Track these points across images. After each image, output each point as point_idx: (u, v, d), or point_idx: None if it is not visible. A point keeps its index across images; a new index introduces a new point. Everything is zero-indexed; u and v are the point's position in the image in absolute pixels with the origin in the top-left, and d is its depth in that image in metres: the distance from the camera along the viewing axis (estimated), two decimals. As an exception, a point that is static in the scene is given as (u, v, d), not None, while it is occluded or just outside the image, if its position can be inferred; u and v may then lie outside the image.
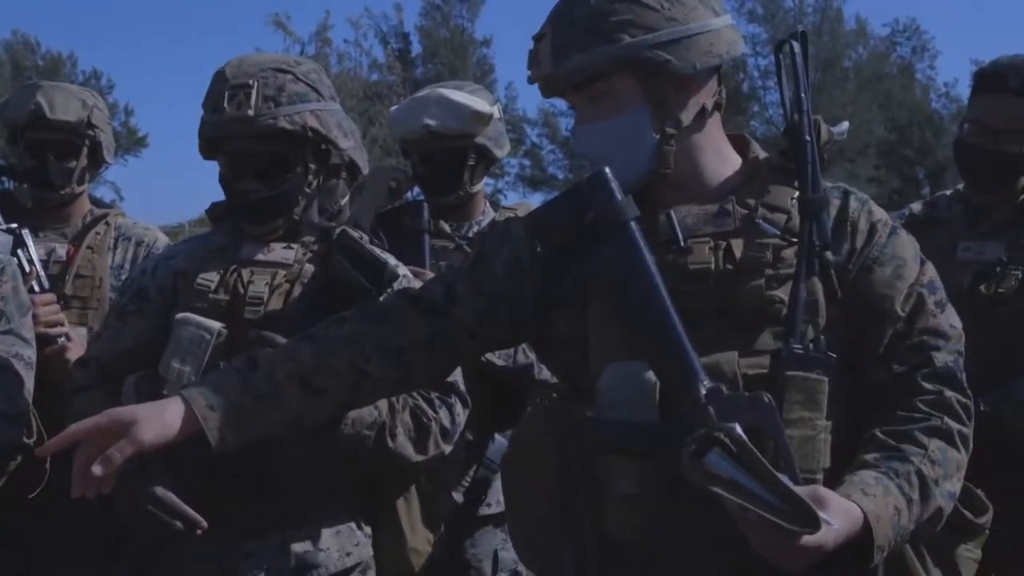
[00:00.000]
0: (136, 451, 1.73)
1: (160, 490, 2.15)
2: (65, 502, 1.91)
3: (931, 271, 1.85)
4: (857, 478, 1.68)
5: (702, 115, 1.83)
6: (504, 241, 1.89)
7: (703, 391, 1.63)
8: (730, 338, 1.74)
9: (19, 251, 2.91)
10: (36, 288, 2.93)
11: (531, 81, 1.88)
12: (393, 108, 3.49)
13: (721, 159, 1.87)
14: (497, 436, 3.11)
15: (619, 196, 1.71)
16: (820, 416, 1.69)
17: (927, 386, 1.77)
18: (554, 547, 1.81)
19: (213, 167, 2.41)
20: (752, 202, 1.81)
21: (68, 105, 3.15)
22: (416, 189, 3.45)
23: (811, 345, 1.70)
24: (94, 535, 2.69)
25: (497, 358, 2.96)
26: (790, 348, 1.69)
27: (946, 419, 1.75)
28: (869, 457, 1.72)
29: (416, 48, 33.10)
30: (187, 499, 2.16)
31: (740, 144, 1.92)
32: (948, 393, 1.76)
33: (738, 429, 1.57)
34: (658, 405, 1.69)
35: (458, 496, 3.06)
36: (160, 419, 1.76)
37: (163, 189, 56.19)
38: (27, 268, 2.91)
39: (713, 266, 1.76)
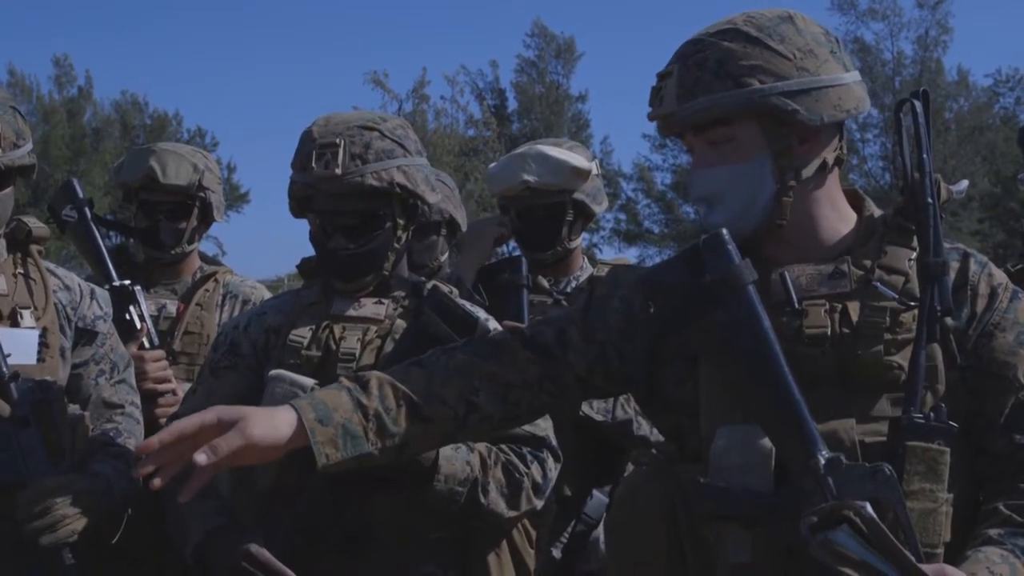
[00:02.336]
0: (244, 446, 1.68)
1: (254, 547, 2.16)
2: (150, 552, 1.93)
3: None
4: (982, 555, 1.64)
5: (823, 169, 1.80)
6: (614, 289, 1.86)
7: (822, 461, 1.59)
8: (846, 404, 1.70)
9: (131, 307, 3.01)
10: (146, 344, 3.02)
11: (651, 118, 1.84)
12: (492, 164, 3.52)
13: (838, 216, 1.83)
14: (595, 492, 3.11)
15: (737, 259, 1.66)
16: (941, 488, 1.64)
17: None
18: None
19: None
20: (868, 263, 1.77)
21: (180, 169, 3.24)
22: (512, 244, 3.50)
23: (932, 414, 1.66)
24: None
25: (595, 413, 2.95)
26: (910, 417, 1.65)
27: None
28: (993, 533, 1.68)
29: (512, 104, 33.37)
30: (280, 555, 2.17)
31: (855, 200, 1.88)
32: None
33: (869, 508, 1.52)
34: (773, 472, 1.65)
35: (556, 552, 3.06)
36: (270, 420, 1.72)
37: (263, 243, 57.20)
38: (138, 324, 3.01)
39: (829, 330, 1.72)
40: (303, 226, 2.44)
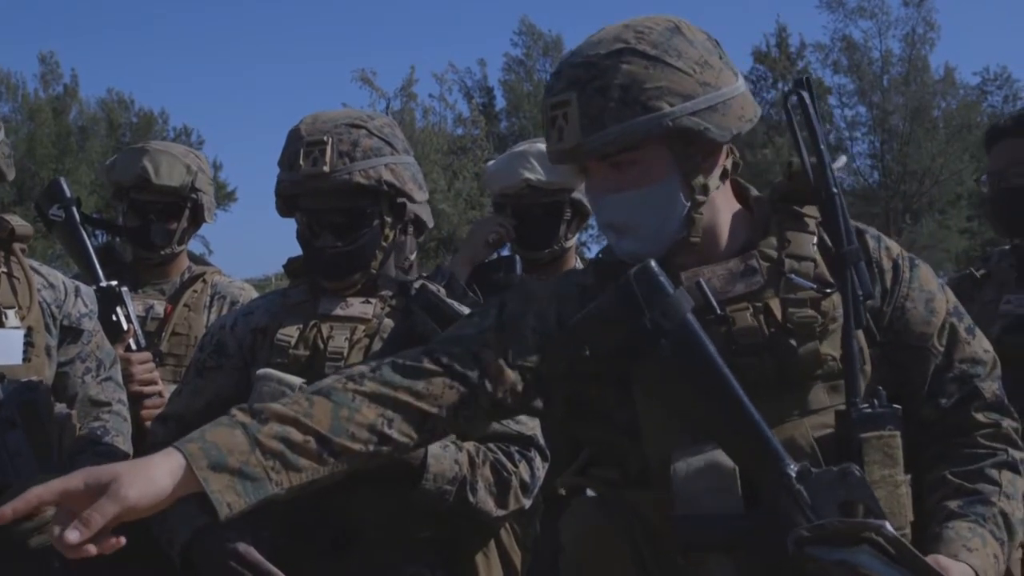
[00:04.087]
0: (121, 511, 1.48)
1: (243, 546, 2.16)
2: (136, 552, 1.91)
3: (952, 296, 1.84)
4: (952, 532, 1.69)
5: (723, 178, 1.79)
6: (527, 305, 1.79)
7: (793, 475, 1.58)
8: (785, 402, 1.70)
9: (118, 308, 2.98)
10: (133, 346, 2.99)
11: (553, 153, 1.76)
12: (490, 162, 3.51)
13: (731, 213, 1.82)
14: (589, 491, 3.11)
15: (671, 289, 1.62)
16: (899, 471, 1.67)
17: (982, 419, 1.77)
18: None
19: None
20: (775, 254, 1.76)
21: (173, 170, 3.22)
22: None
23: (875, 401, 1.67)
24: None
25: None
26: (858, 407, 1.66)
27: (1010, 450, 1.77)
28: (953, 505, 1.72)
29: (500, 102, 33.47)
30: (268, 555, 2.17)
31: (737, 189, 1.86)
32: (1005, 423, 1.78)
33: (888, 526, 1.52)
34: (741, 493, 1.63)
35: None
36: (146, 475, 1.52)
37: (250, 242, 57.14)
38: (125, 326, 2.98)
39: (763, 335, 1.71)
40: (290, 225, 2.43)
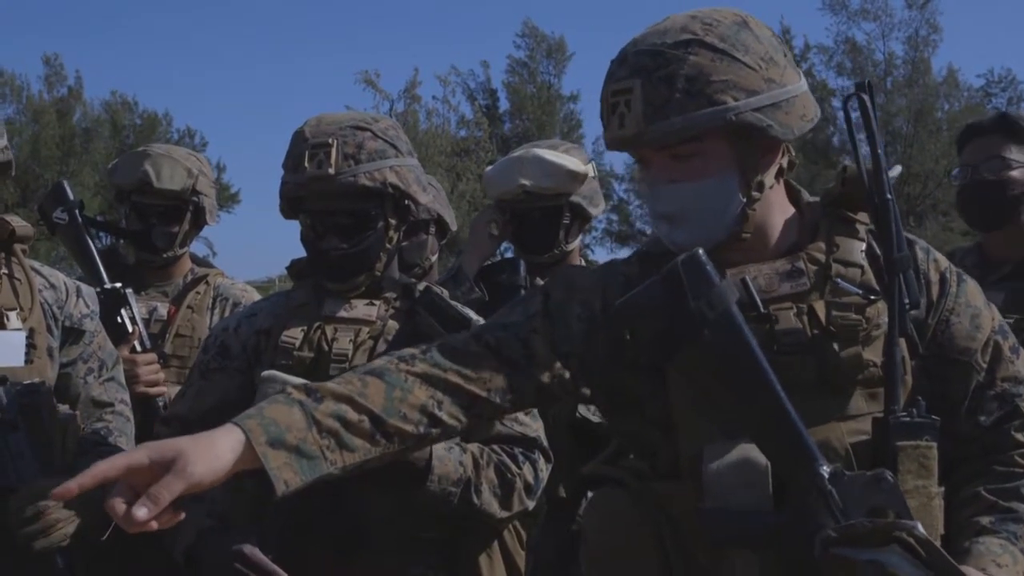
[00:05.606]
0: (187, 487, 1.48)
1: (247, 547, 2.16)
2: (140, 552, 1.90)
3: (998, 314, 1.83)
4: (983, 547, 1.68)
5: (779, 176, 1.79)
6: (572, 294, 1.80)
7: (825, 476, 1.57)
8: (824, 406, 1.70)
9: (123, 310, 3.00)
10: (138, 347, 3.00)
11: (613, 140, 1.75)
12: (488, 168, 3.52)
13: (783, 213, 1.81)
14: (591, 493, 3.11)
15: (718, 279, 1.61)
16: (933, 482, 1.67)
17: (1021, 438, 1.77)
18: None
19: (301, 223, 2.43)
20: (822, 258, 1.76)
21: (174, 174, 3.24)
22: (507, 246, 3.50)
23: (914, 410, 1.66)
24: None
25: (592, 415, 2.95)
26: (896, 416, 1.65)
27: None
28: (985, 521, 1.72)
29: (503, 104, 33.41)
30: (273, 556, 2.17)
31: (789, 191, 1.85)
32: None
33: (920, 527, 1.51)
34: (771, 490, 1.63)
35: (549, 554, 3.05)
36: (211, 451, 1.52)
37: (254, 244, 57.20)
38: (130, 328, 2.99)
39: (808, 335, 1.70)
40: (293, 227, 2.43)
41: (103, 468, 1.48)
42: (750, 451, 1.64)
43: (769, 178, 1.76)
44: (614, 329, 1.71)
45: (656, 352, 1.66)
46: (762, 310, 1.69)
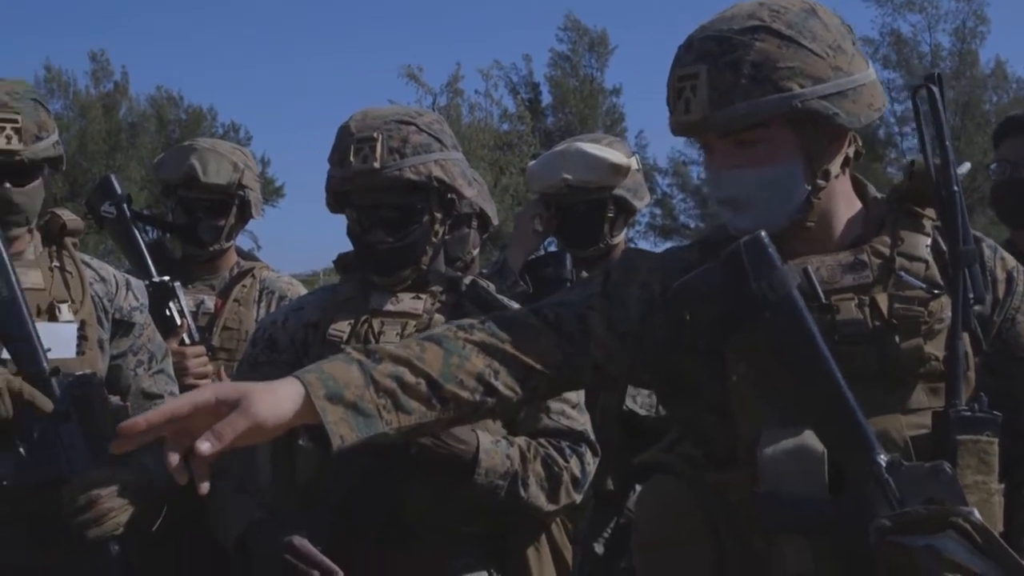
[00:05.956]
0: (251, 426, 1.51)
1: (297, 539, 2.18)
2: (191, 542, 1.90)
3: None
4: None
5: (845, 166, 1.78)
6: (632, 275, 1.80)
7: (883, 464, 1.56)
8: (885, 398, 1.68)
9: (171, 303, 3.02)
10: (187, 340, 3.03)
11: (678, 125, 1.75)
12: (531, 162, 3.51)
13: (848, 205, 1.80)
14: (639, 486, 3.10)
15: (779, 262, 1.61)
16: (993, 479, 1.64)
17: None
18: None
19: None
20: (887, 251, 1.75)
21: (220, 168, 3.27)
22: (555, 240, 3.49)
23: (976, 405, 1.64)
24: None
25: (639, 408, 2.95)
26: (957, 410, 1.63)
27: None
28: None
29: (546, 98, 33.36)
30: (322, 549, 2.18)
31: (856, 185, 1.84)
32: None
33: (976, 513, 1.50)
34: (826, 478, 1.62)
35: (598, 547, 3.05)
36: (273, 397, 1.54)
37: (298, 238, 57.52)
38: (178, 320, 3.02)
39: (869, 326, 1.69)
40: (338, 221, 2.45)
41: (171, 406, 1.52)
42: (807, 438, 1.63)
43: (835, 167, 1.75)
44: (673, 311, 1.71)
45: (715, 335, 1.66)
46: (823, 300, 1.67)
